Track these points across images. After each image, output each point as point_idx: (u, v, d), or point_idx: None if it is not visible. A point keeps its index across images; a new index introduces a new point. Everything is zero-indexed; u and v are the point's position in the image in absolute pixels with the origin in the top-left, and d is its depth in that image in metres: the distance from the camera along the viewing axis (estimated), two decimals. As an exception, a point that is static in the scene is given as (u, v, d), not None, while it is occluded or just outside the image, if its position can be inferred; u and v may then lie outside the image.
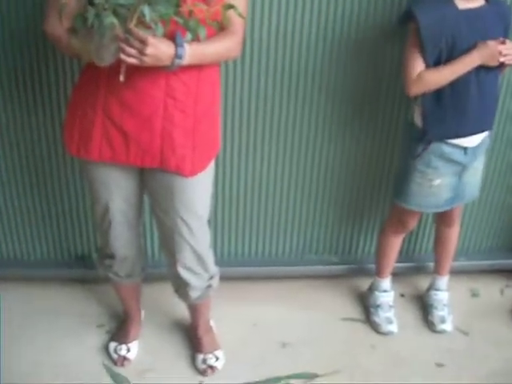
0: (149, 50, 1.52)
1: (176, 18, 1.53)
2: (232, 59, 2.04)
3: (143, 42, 1.51)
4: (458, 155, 2.12)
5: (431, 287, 2.61)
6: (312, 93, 2.36)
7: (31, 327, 2.50)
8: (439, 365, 2.37)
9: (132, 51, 1.53)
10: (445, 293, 2.58)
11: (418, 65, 1.99)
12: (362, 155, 2.52)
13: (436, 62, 1.99)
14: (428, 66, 1.99)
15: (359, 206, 2.66)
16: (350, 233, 2.74)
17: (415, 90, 2.02)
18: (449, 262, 2.55)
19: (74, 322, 2.52)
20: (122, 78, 1.59)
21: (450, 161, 2.13)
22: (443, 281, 2.58)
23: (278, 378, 2.29)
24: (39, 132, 2.40)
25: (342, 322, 2.56)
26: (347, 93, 2.37)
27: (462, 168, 2.17)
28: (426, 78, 1.98)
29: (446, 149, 2.11)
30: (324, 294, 2.71)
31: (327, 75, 2.32)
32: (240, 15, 1.65)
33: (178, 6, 1.53)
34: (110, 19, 1.46)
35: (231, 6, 1.61)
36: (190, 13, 1.55)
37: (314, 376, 2.30)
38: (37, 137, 2.41)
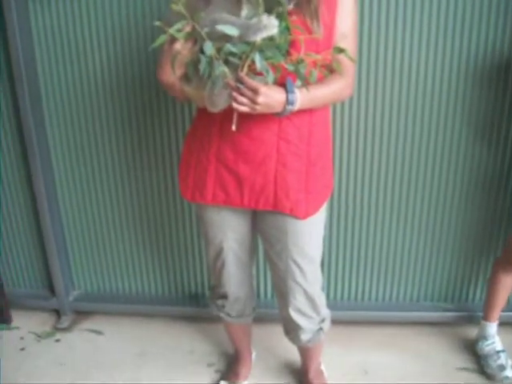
0: (260, 99, 1.53)
1: (286, 65, 1.54)
2: (342, 101, 2.04)
3: (255, 91, 1.52)
4: None
5: None
6: (430, 124, 2.32)
7: (142, 362, 2.55)
8: None
9: (244, 100, 1.54)
10: None
11: None
12: (481, 191, 2.44)
13: None
14: None
15: (477, 252, 2.56)
16: (467, 280, 2.64)
17: None
18: None
19: (184, 360, 2.56)
20: (234, 128, 1.60)
21: None
22: None
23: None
24: (158, 178, 2.53)
25: (457, 372, 2.45)
26: (466, 123, 2.32)
27: None
28: None
29: None
30: (438, 341, 2.62)
31: (445, 106, 2.29)
32: (351, 59, 1.63)
33: (288, 53, 1.54)
34: (222, 68, 1.49)
35: (342, 50, 1.60)
36: (300, 59, 1.56)
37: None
38: (156, 182, 2.55)
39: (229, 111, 1.60)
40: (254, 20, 1.47)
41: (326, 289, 2.64)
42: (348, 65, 1.70)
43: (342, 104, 2.27)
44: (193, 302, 2.75)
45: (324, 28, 1.64)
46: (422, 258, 2.59)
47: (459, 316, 2.65)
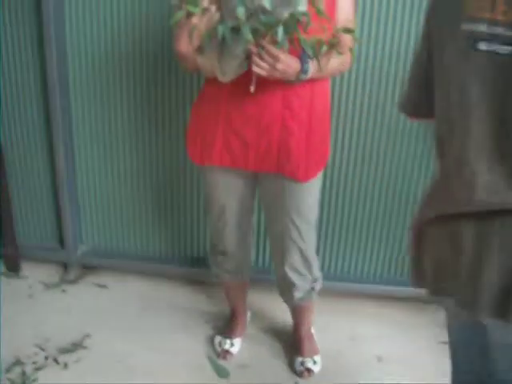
0: (280, 66, 1.70)
1: (301, 40, 1.69)
2: (342, 73, 2.20)
3: (275, 58, 1.69)
4: None
5: None
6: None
7: (143, 317, 2.68)
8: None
9: (264, 65, 1.70)
10: None
11: None
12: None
13: None
14: None
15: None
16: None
17: None
18: None
19: (183, 316, 2.69)
20: (252, 89, 1.77)
21: None
22: None
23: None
24: (167, 144, 2.67)
25: (438, 345, 2.54)
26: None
27: None
28: None
29: None
30: (424, 316, 2.73)
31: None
32: (355, 39, 1.82)
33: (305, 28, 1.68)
34: (248, 35, 1.62)
35: (350, 31, 1.76)
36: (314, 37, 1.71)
37: (404, 392, 2.32)
38: (162, 148, 2.68)
39: (237, 80, 1.78)
40: None
41: (322, 260, 2.73)
42: (349, 39, 1.85)
43: (341, 78, 2.38)
44: (195, 264, 2.86)
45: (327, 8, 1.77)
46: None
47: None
